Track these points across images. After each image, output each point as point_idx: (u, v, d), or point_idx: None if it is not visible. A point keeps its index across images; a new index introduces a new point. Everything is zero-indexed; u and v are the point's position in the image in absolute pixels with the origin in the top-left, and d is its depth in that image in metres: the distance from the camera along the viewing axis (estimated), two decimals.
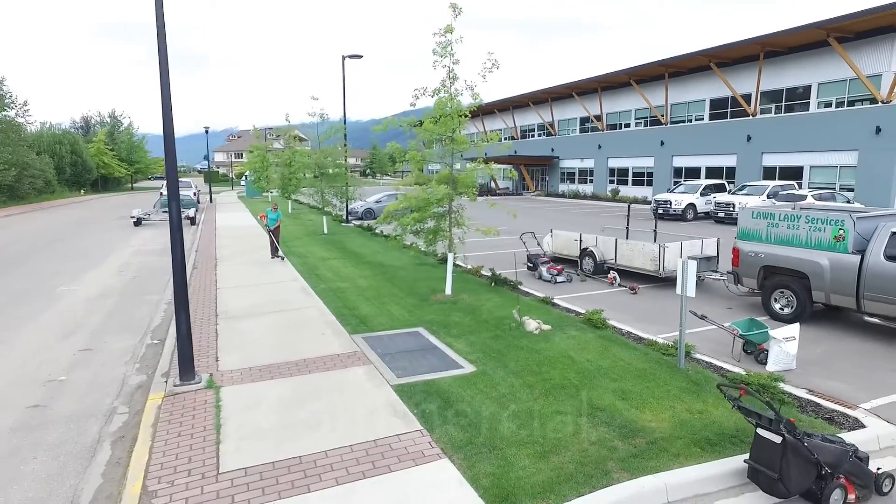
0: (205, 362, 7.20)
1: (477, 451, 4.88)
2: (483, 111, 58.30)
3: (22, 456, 5.12)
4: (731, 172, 32.51)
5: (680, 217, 26.28)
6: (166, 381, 6.60)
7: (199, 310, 9.87)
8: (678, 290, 7.03)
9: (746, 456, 4.41)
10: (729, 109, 33.12)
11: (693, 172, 35.28)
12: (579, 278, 13.05)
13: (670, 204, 26.73)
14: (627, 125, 41.47)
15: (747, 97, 31.45)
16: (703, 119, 34.96)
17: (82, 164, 55.75)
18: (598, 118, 43.45)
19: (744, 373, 6.74)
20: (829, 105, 27.82)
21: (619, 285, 12.13)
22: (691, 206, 26.57)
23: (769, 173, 30.32)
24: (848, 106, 26.91)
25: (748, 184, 26.69)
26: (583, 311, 9.55)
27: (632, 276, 12.49)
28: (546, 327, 8.34)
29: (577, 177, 46.88)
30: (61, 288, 12.21)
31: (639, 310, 10.17)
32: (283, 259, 15.59)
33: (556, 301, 10.35)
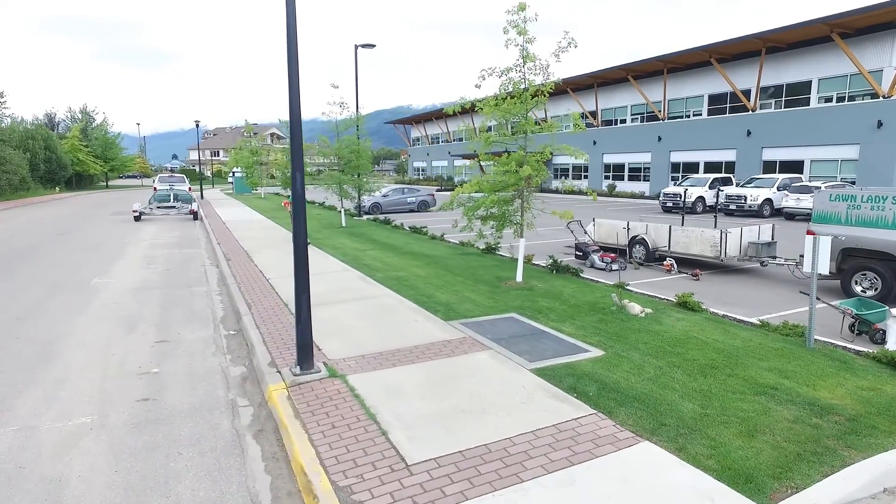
0: None
1: (675, 432, 4.53)
2: (474, 108, 57.90)
3: (164, 451, 4.55)
4: (730, 167, 32.97)
5: (689, 210, 26.44)
6: (279, 372, 6.06)
7: (263, 299, 9.28)
8: (806, 267, 6.83)
9: None
10: (728, 105, 33.61)
11: (691, 167, 35.71)
12: (632, 266, 12.84)
13: (680, 197, 26.88)
14: (623, 121, 41.77)
15: (747, 92, 31.94)
16: (701, 114, 35.40)
17: (57, 161, 53.21)
18: (594, 114, 43.64)
19: (872, 351, 6.56)
20: (829, 100, 28.44)
21: (679, 272, 11.97)
22: (700, 198, 26.80)
23: (769, 167, 30.84)
24: (848, 101, 27.55)
25: (756, 177, 27.05)
26: (662, 297, 9.36)
27: (684, 263, 12.37)
28: (648, 310, 8.05)
29: (571, 172, 47.06)
30: (95, 280, 11.38)
31: (712, 294, 9.97)
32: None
33: (629, 287, 10.09)
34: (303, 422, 4.89)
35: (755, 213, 24.07)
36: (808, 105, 29.20)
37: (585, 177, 45.01)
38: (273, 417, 5.21)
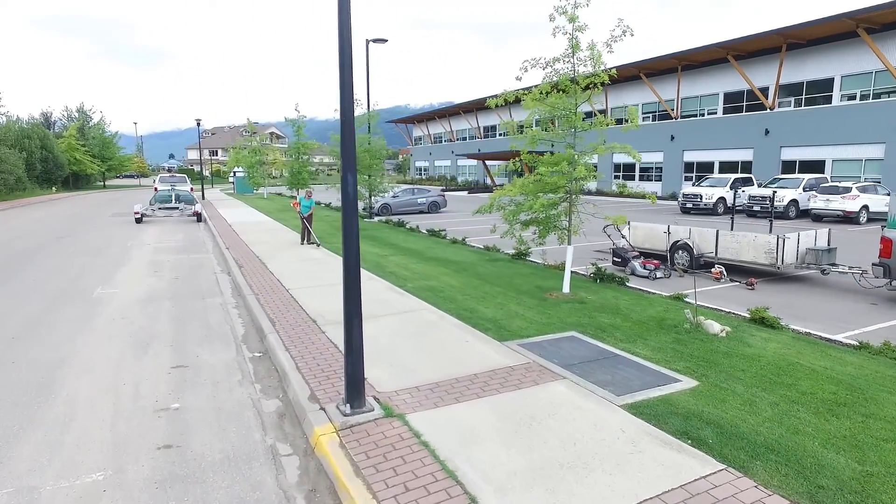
0: None
1: (842, 499, 3.63)
2: (477, 107, 57.11)
3: None
4: (746, 167, 32.14)
5: (711, 211, 25.63)
6: (322, 409, 5.13)
7: (287, 313, 8.34)
8: None
9: None
10: (745, 103, 32.76)
11: (705, 167, 34.87)
12: (676, 274, 11.94)
13: (700, 198, 26.06)
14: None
15: (765, 90, 31.10)
16: (716, 113, 34.55)
17: (53, 160, 52.08)
18: (603, 112, 42.75)
19: None
20: (852, 98, 27.61)
21: (730, 280, 11.09)
22: (721, 199, 25.94)
23: (788, 167, 30.02)
24: (873, 98, 26.73)
25: (780, 177, 26.23)
26: (727, 310, 8.50)
27: (732, 270, 11.52)
28: (728, 329, 7.15)
29: None
30: (99, 290, 10.42)
31: (776, 307, 9.00)
32: (318, 245, 15.43)
33: (688, 299, 9.19)
34: (366, 481, 3.97)
35: (780, 215, 23.22)
36: (830, 103, 28.37)
37: (594, 176, 44.07)
38: (325, 472, 4.29)
